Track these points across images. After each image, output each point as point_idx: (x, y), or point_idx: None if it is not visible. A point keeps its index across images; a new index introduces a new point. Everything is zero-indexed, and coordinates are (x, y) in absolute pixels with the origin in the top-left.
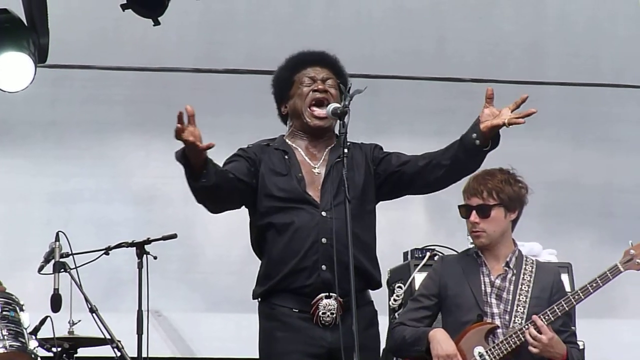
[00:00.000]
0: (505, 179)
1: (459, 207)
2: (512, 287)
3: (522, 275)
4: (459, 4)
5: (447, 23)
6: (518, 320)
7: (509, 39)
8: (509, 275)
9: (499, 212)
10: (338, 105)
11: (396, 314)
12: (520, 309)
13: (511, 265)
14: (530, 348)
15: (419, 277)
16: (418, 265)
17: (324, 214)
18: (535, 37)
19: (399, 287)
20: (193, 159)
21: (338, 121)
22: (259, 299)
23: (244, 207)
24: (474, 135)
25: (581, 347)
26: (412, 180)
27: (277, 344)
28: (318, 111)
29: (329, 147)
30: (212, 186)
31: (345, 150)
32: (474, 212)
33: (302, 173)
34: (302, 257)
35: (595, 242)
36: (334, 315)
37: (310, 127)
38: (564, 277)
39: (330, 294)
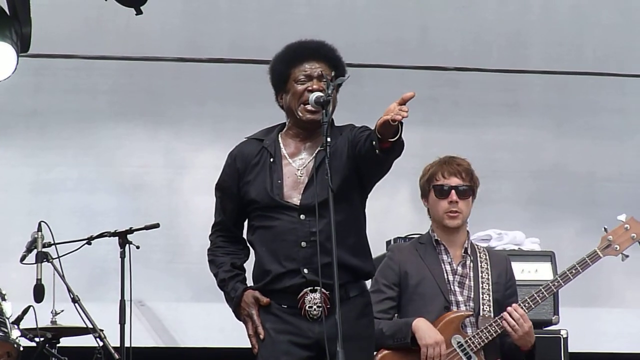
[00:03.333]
0: (470, 165)
1: (435, 186)
2: (472, 274)
3: (479, 264)
4: None
5: (430, 12)
6: (486, 308)
7: (492, 28)
8: (468, 262)
9: (471, 196)
10: (321, 94)
11: None
12: (486, 297)
13: (469, 252)
14: (510, 332)
15: None
16: None
17: (302, 217)
18: (519, 26)
19: None
20: None
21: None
22: None
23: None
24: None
25: (564, 335)
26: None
27: (266, 334)
28: (310, 106)
29: (320, 148)
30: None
31: (329, 139)
32: (453, 191)
33: (283, 179)
34: (282, 263)
35: (579, 230)
36: (321, 308)
37: (303, 122)
38: (547, 266)
39: (315, 287)
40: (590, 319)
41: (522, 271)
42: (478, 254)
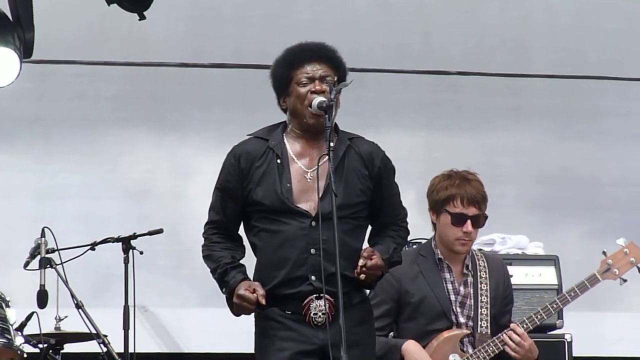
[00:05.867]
0: (481, 184)
1: (452, 213)
2: (472, 291)
3: (479, 277)
4: None
5: (433, 17)
6: (484, 324)
7: (495, 32)
8: (469, 279)
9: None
10: (324, 99)
11: None
12: (484, 312)
13: (470, 268)
14: (512, 354)
15: None
16: None
17: (313, 224)
18: (521, 30)
19: None
20: None
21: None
22: None
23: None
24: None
25: (569, 340)
26: None
27: (270, 341)
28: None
29: (324, 154)
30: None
31: (332, 144)
32: (469, 221)
33: (291, 182)
34: (290, 269)
35: (582, 234)
36: (326, 315)
37: (310, 126)
38: (551, 270)
39: (320, 295)
40: (594, 323)
41: (526, 275)
42: (478, 267)
